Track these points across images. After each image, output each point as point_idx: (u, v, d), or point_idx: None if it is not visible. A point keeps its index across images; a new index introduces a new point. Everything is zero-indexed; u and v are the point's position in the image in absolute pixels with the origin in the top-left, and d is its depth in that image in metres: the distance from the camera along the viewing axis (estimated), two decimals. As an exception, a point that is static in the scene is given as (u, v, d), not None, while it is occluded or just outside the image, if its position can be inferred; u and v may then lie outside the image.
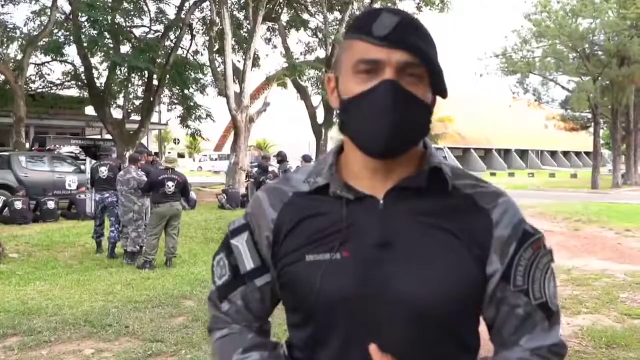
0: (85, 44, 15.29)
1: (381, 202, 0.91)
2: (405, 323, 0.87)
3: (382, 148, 0.86)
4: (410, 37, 0.85)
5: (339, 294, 0.88)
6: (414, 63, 0.84)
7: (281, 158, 10.40)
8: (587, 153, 52.70)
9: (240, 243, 0.99)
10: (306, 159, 10.00)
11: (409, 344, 0.87)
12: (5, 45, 16.99)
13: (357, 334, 0.88)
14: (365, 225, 0.90)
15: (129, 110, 19.06)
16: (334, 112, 20.09)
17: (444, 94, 0.91)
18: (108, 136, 18.36)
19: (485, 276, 0.90)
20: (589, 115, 27.76)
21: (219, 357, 0.98)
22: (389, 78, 0.84)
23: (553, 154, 57.75)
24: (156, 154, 16.54)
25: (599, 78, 24.17)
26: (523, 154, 53.63)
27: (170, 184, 7.30)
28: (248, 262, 0.98)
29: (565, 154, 59.24)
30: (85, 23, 15.25)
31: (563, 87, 27.76)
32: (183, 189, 7.55)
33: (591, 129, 27.79)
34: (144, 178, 7.75)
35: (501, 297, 0.90)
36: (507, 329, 0.91)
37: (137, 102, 19.43)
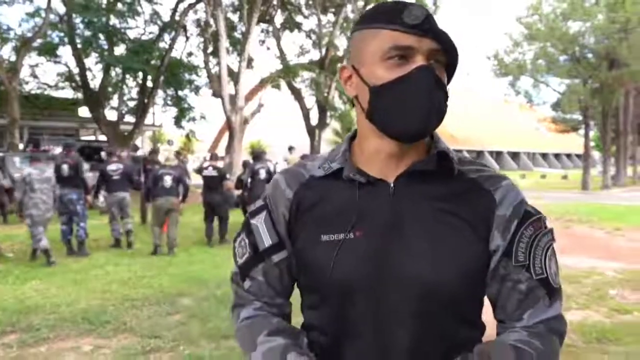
0: (79, 45, 15.29)
1: (392, 185, 0.96)
2: (414, 300, 0.90)
3: (416, 130, 0.91)
4: (437, 27, 0.91)
5: (353, 272, 0.92)
6: (439, 51, 0.90)
7: (254, 156, 9.62)
8: (577, 155, 53.10)
9: (259, 222, 1.04)
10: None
11: (418, 320, 0.91)
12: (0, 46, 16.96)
13: (369, 312, 0.92)
14: (376, 207, 0.95)
15: (124, 112, 19.06)
16: (328, 113, 20.19)
17: (448, 83, 0.98)
18: (102, 137, 18.36)
19: (489, 254, 0.94)
20: (580, 118, 27.96)
21: (244, 338, 1.01)
22: (424, 64, 0.89)
23: (544, 155, 58.11)
24: (152, 152, 16.49)
25: (589, 80, 24.39)
26: (515, 155, 53.91)
27: (167, 178, 8.29)
28: (266, 239, 1.02)
29: (557, 155, 59.65)
30: (80, 24, 15.26)
31: (554, 90, 28.02)
32: (179, 182, 8.45)
33: (581, 131, 27.98)
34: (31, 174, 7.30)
35: (504, 273, 0.94)
36: (510, 304, 0.95)
37: (131, 104, 19.44)
